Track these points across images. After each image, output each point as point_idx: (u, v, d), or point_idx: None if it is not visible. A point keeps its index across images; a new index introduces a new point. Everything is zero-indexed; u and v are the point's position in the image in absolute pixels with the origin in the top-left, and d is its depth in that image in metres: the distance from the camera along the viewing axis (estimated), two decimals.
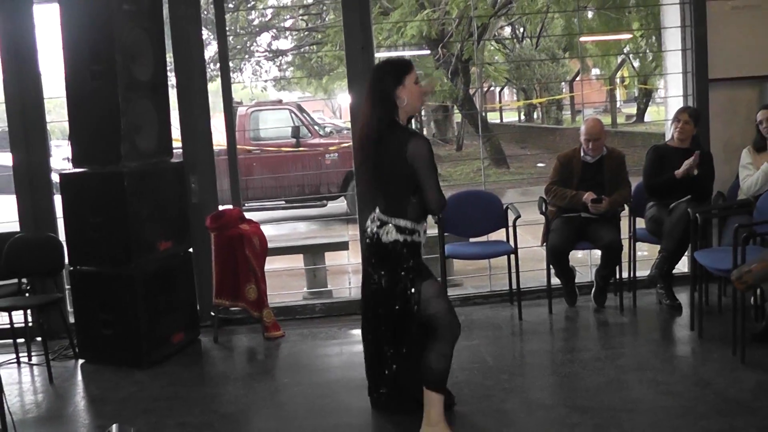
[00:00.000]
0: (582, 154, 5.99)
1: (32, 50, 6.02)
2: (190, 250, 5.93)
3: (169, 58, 5.96)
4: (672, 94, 6.75)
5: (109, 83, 5.21)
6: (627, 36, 17.63)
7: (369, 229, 3.96)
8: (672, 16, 6.64)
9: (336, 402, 4.52)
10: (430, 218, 4.13)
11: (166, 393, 4.82)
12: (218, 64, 6.52)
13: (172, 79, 6.12)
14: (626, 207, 6.03)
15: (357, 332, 5.80)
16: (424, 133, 28.42)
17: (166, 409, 4.54)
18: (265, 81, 24.52)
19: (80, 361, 5.55)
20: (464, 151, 22.70)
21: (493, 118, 33.00)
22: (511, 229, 5.94)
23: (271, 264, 6.86)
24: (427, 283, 3.87)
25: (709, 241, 5.90)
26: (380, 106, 3.79)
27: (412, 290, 3.83)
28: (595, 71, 28.14)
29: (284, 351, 5.56)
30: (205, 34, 6.62)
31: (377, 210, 3.94)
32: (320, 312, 6.32)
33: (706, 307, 5.76)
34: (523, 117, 33.94)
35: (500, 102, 33.75)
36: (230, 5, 20.00)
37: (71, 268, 5.53)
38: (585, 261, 6.84)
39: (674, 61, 6.72)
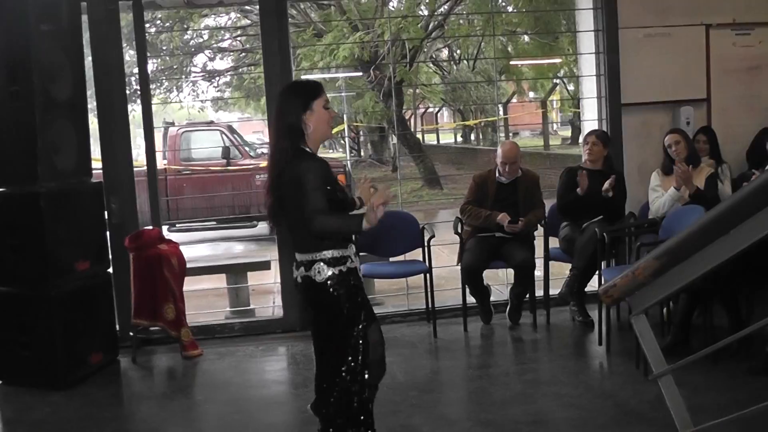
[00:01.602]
0: (497, 174, 6.16)
1: None
2: (109, 270, 5.92)
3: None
4: (587, 118, 6.98)
5: (26, 103, 5.20)
6: (557, 60, 18.06)
7: (296, 277, 3.54)
8: (587, 42, 6.88)
9: (249, 418, 4.56)
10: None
11: (80, 414, 4.81)
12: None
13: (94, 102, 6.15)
14: (540, 227, 6.20)
15: (276, 351, 5.89)
16: (361, 154, 28.66)
17: (78, 429, 4.54)
18: (203, 101, 24.45)
19: None
20: (400, 173, 22.86)
21: (430, 139, 33.36)
22: (426, 249, 6.06)
23: (196, 284, 6.91)
24: (373, 327, 3.57)
25: (623, 259, 6.10)
26: (285, 135, 3.45)
27: (361, 342, 3.47)
28: (531, 94, 28.77)
29: (201, 369, 5.60)
30: (132, 54, 6.62)
31: (296, 254, 3.53)
32: (240, 331, 6.36)
33: (618, 323, 5.98)
34: (459, 139, 34.40)
35: (437, 123, 34.12)
36: (166, 24, 19.97)
37: None
38: (501, 280, 7.01)
39: (590, 86, 6.96)
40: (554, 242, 6.31)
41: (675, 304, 5.56)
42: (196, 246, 11.17)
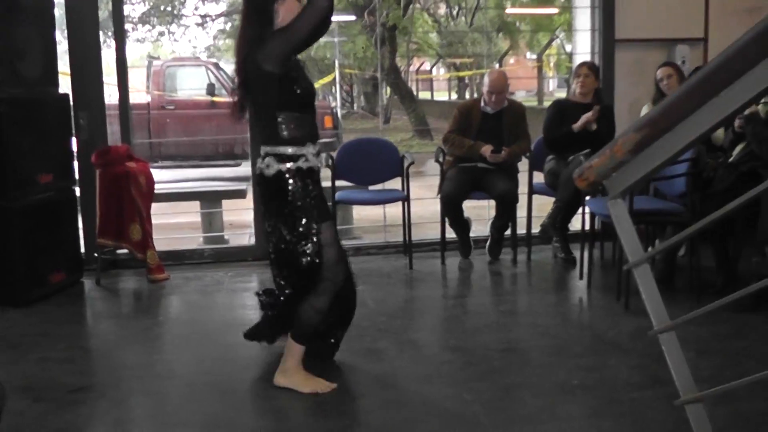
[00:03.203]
0: (482, 104, 5.91)
1: None
2: (75, 188, 5.69)
3: None
4: (579, 51, 6.72)
5: None
6: (554, 11, 17.73)
7: (255, 168, 3.52)
8: None
9: (207, 339, 4.36)
10: (323, 161, 3.68)
11: (36, 330, 4.59)
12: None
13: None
14: (525, 159, 5.98)
15: (247, 279, 5.67)
16: (354, 107, 28.31)
17: (32, 344, 4.31)
18: (194, 47, 24.01)
19: None
20: (391, 125, 22.60)
21: (424, 96, 32.97)
22: (405, 178, 5.84)
23: (172, 218, 6.67)
24: (325, 225, 3.45)
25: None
26: (254, 21, 3.35)
27: (310, 232, 3.40)
28: (528, 55, 28.37)
29: (166, 293, 5.38)
30: None
31: (260, 146, 3.46)
32: (210, 257, 6.14)
33: (601, 261, 5.79)
34: (454, 96, 34.01)
35: (431, 78, 33.70)
36: None
37: None
38: (483, 216, 6.79)
39: (583, 20, 6.70)
40: (539, 177, 6.09)
41: (660, 239, 5.37)
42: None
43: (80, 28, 5.80)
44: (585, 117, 5.59)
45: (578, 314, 4.83)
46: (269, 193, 3.43)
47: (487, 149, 5.68)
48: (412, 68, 29.30)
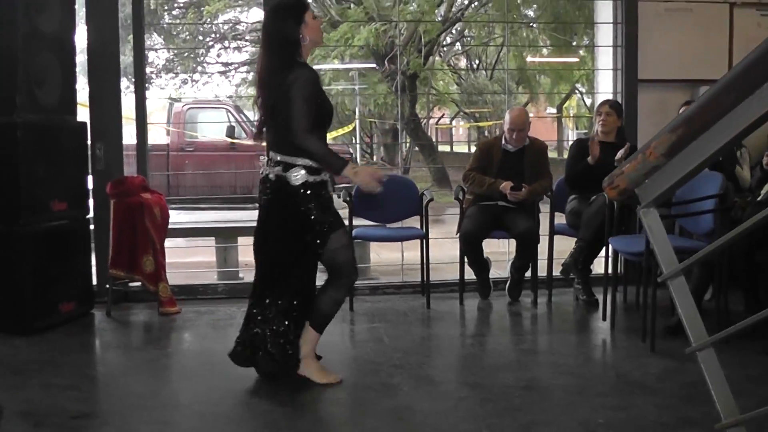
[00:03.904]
0: (503, 142, 5.82)
1: None
2: (89, 217, 5.61)
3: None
4: (602, 91, 6.63)
5: (7, 30, 4.92)
6: (575, 60, 17.75)
7: (268, 174, 3.73)
8: (605, 12, 6.54)
9: (219, 369, 4.18)
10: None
11: (42, 358, 4.46)
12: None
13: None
14: (546, 198, 5.85)
15: None
16: (374, 158, 28.33)
17: (36, 371, 4.19)
18: (216, 96, 24.11)
19: None
20: (410, 175, 22.52)
21: (444, 149, 32.99)
22: (425, 215, 5.72)
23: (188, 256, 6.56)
24: (339, 231, 3.81)
25: (632, 231, 5.71)
26: (281, 50, 3.69)
27: (319, 241, 3.75)
28: (550, 110, 28.36)
29: (177, 325, 5.25)
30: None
31: (274, 153, 3.72)
32: (223, 293, 6.02)
33: (624, 304, 5.62)
34: (473, 149, 33.94)
35: (451, 129, 33.77)
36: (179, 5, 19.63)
37: None
38: (502, 257, 6.64)
39: (605, 60, 6.62)
40: (560, 218, 5.95)
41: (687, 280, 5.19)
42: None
43: (101, 57, 5.79)
44: (618, 154, 5.44)
45: (602, 354, 4.66)
46: (286, 202, 3.70)
47: (506, 186, 5.56)
48: (432, 121, 29.38)
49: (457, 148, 34.67)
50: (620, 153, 5.44)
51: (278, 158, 3.68)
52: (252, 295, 3.91)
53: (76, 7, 5.55)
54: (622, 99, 6.31)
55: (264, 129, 3.86)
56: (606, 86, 6.55)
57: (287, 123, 3.60)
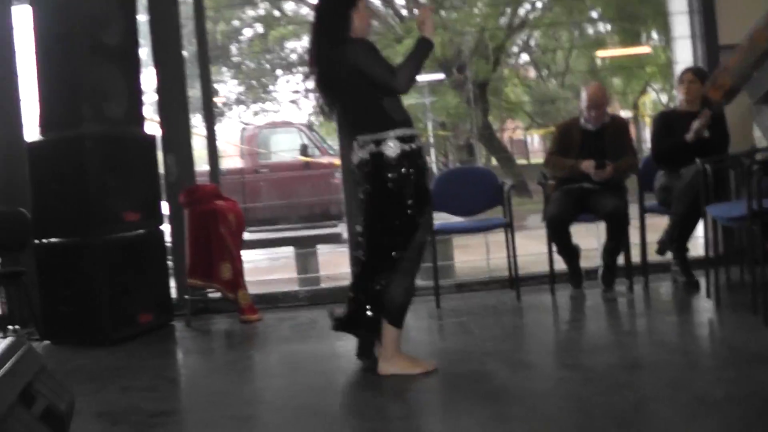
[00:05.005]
0: (582, 122, 5.51)
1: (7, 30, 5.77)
2: (162, 228, 5.54)
3: None
4: (680, 60, 6.27)
5: (72, 45, 4.94)
6: (646, 49, 17.23)
7: (361, 157, 3.58)
8: None
9: (300, 367, 4.05)
10: None
11: (120, 364, 4.40)
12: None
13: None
14: (633, 175, 5.52)
15: None
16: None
17: (114, 376, 4.10)
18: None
19: (45, 343, 5.10)
20: None
21: (520, 162, 32.59)
22: (508, 204, 5.47)
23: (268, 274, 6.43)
24: (428, 208, 3.73)
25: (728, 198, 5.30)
26: (331, 24, 3.63)
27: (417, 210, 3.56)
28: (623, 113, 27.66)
29: (258, 331, 5.10)
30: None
31: (360, 136, 3.60)
32: (304, 300, 5.85)
33: (728, 283, 5.23)
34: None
35: (525, 141, 33.31)
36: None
37: (36, 242, 5.13)
38: (590, 246, 6.28)
39: (681, 28, 6.26)
40: (650, 199, 5.60)
41: None
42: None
43: (167, 66, 5.75)
44: (696, 123, 5.12)
45: (709, 330, 4.31)
46: (384, 177, 3.49)
47: (589, 165, 5.24)
48: (506, 134, 29.03)
49: (533, 160, 34.25)
50: (696, 122, 5.09)
51: (367, 138, 3.55)
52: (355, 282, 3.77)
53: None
54: (704, 67, 5.93)
55: (334, 114, 3.84)
56: (684, 54, 6.16)
57: (360, 97, 3.55)
